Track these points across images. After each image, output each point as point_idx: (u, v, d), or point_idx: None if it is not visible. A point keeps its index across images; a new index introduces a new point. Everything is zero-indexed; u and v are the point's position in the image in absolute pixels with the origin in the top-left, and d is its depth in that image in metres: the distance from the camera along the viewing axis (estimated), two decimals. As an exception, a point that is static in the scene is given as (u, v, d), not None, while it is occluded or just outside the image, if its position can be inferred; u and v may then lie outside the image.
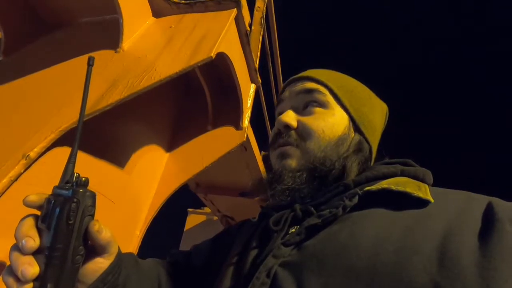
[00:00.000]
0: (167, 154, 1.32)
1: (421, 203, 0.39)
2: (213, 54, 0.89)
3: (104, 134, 1.02)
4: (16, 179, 0.68)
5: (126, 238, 1.07)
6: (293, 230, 0.44)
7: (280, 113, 0.56)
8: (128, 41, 1.02)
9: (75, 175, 0.36)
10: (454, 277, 0.31)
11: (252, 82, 1.40)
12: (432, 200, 0.39)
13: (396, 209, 0.40)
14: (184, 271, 0.61)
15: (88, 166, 0.92)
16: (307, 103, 0.54)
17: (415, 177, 0.46)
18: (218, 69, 1.29)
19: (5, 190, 0.66)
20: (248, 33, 1.24)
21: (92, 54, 1.01)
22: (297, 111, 0.54)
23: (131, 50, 1.00)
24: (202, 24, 1.05)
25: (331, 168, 0.48)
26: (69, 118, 0.77)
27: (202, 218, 3.42)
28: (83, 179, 0.35)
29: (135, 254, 1.12)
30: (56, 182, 0.82)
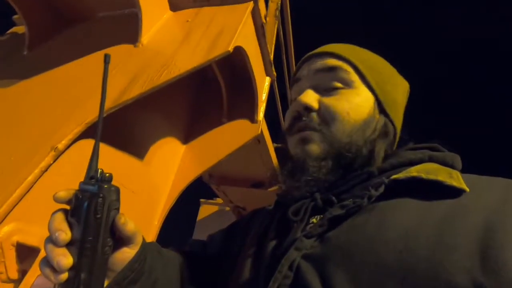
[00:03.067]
0: (184, 146, 1.35)
1: (455, 192, 0.36)
2: (230, 49, 0.90)
3: (125, 127, 1.05)
4: (46, 170, 0.72)
5: (145, 227, 1.11)
6: (314, 220, 0.42)
7: (298, 94, 0.51)
8: (146, 36, 1.04)
9: (99, 171, 0.38)
10: (500, 279, 0.28)
11: (267, 75, 1.40)
12: (467, 189, 0.36)
13: (427, 199, 0.37)
14: (201, 261, 0.61)
15: (110, 157, 0.95)
16: (329, 82, 0.48)
17: (444, 163, 0.43)
18: (233, 61, 1.30)
19: (36, 181, 0.70)
20: (264, 26, 1.24)
21: (112, 48, 1.04)
22: (318, 91, 0.49)
23: (150, 44, 1.02)
24: (219, 18, 1.05)
25: (357, 155, 0.44)
26: (93, 111, 0.80)
27: (215, 208, 3.47)
28: (107, 174, 0.37)
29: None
30: (82, 173, 0.86)
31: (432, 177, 0.37)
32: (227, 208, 3.21)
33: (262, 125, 1.45)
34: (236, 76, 1.42)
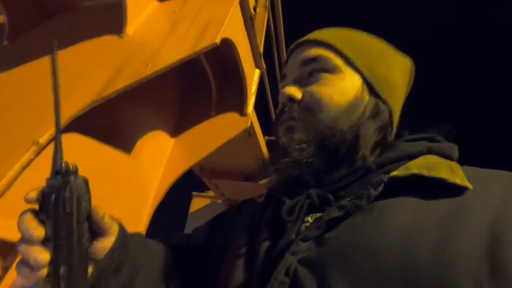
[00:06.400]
0: (173, 140, 1.34)
1: (457, 189, 0.34)
2: (218, 41, 0.88)
3: (113, 120, 1.03)
4: (27, 165, 0.70)
5: (133, 222, 1.10)
6: (309, 219, 0.40)
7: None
8: (132, 26, 1.01)
9: (63, 164, 0.37)
10: (508, 285, 0.27)
11: (257, 67, 1.38)
12: (471, 187, 0.34)
13: (428, 197, 0.35)
14: (185, 254, 0.59)
15: (98, 151, 0.93)
16: (311, 72, 0.48)
17: (442, 154, 0.42)
18: (222, 53, 1.28)
19: (18, 176, 0.68)
20: (253, 17, 1.22)
21: (96, 39, 1.01)
22: (301, 82, 0.48)
23: (135, 35, 0.99)
24: (206, 9, 1.03)
25: (341, 140, 0.43)
26: (76, 105, 0.78)
27: (207, 201, 3.48)
28: (72, 167, 0.36)
29: (143, 236, 1.15)
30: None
31: (434, 174, 0.36)
32: (219, 201, 3.22)
33: (252, 118, 1.45)
34: (225, 69, 1.40)
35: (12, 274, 0.63)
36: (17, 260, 0.67)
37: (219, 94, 1.34)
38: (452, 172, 0.36)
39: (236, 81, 1.29)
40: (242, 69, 1.18)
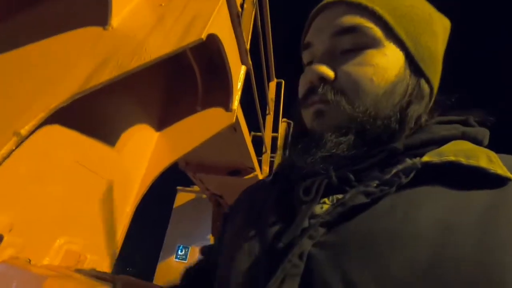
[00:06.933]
0: (157, 133, 1.34)
1: (498, 180, 0.31)
2: (203, 36, 0.89)
3: (94, 112, 1.02)
4: (7, 156, 0.69)
5: (116, 215, 1.10)
6: (326, 200, 0.36)
7: (309, 62, 0.44)
8: (117, 18, 1.00)
9: None
10: None
11: (243, 63, 1.40)
12: None
13: (464, 188, 0.32)
14: (209, 275, 0.53)
15: (81, 144, 0.93)
16: (347, 46, 0.40)
17: (475, 140, 0.38)
18: (208, 48, 1.28)
19: (-3, 167, 0.67)
20: (240, 14, 1.23)
21: (80, 30, 0.99)
22: (334, 57, 0.41)
23: (120, 27, 0.99)
24: (193, 3, 1.03)
25: (385, 127, 0.38)
26: (59, 96, 0.78)
27: (191, 196, 3.48)
28: None
29: (125, 231, 1.16)
30: (46, 160, 0.84)
31: (473, 162, 0.32)
32: (204, 196, 3.23)
33: (238, 114, 1.46)
34: (211, 64, 1.41)
35: (-9, 265, 0.63)
36: (-3, 250, 0.67)
37: (204, 89, 1.35)
38: (491, 161, 0.33)
39: (222, 76, 1.30)
40: (228, 65, 1.19)
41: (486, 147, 0.38)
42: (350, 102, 0.38)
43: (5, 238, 0.67)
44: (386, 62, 0.39)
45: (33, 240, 0.78)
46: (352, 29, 0.40)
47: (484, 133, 0.39)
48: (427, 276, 0.27)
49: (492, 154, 0.34)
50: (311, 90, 0.41)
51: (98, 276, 0.67)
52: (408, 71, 0.40)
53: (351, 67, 0.39)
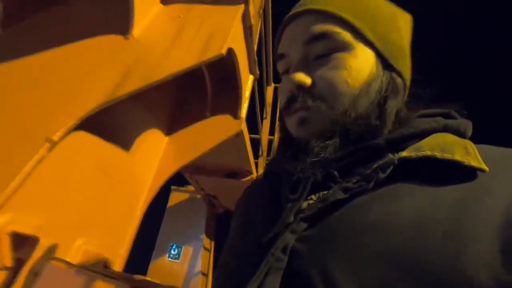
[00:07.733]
0: (166, 138, 1.38)
1: (473, 171, 0.33)
2: (224, 51, 0.94)
3: (112, 119, 1.05)
4: (40, 161, 0.73)
5: (128, 217, 1.14)
6: (313, 197, 0.38)
7: (286, 71, 0.46)
8: (137, 28, 1.04)
9: None
10: None
11: (251, 73, 1.46)
12: (487, 169, 0.32)
13: (441, 180, 0.33)
14: None
15: (100, 149, 0.96)
16: (319, 52, 0.42)
17: (457, 131, 0.39)
18: (222, 59, 1.33)
19: (31, 172, 0.71)
20: (252, 27, 1.28)
21: (101, 38, 1.02)
22: (308, 64, 0.43)
23: (141, 38, 1.03)
24: (211, 17, 1.08)
25: (367, 125, 0.40)
26: (86, 105, 0.82)
27: (185, 196, 3.49)
28: None
29: (135, 232, 1.19)
30: (76, 165, 0.88)
31: (448, 156, 0.33)
32: (198, 196, 3.25)
33: (242, 120, 1.52)
34: (221, 71, 1.46)
35: (28, 266, 0.66)
36: (35, 247, 0.70)
37: (214, 97, 1.40)
38: (467, 152, 0.34)
39: (232, 85, 1.35)
40: (240, 76, 1.24)
41: (470, 139, 0.40)
42: (330, 106, 0.40)
43: (41, 240, 0.71)
44: (359, 63, 0.41)
45: (56, 241, 0.81)
46: (323, 36, 0.41)
47: (466, 125, 0.41)
48: (405, 267, 0.28)
49: (471, 145, 0.35)
50: (292, 98, 0.43)
51: (121, 276, 0.72)
52: (380, 68, 0.42)
53: (326, 71, 0.41)
